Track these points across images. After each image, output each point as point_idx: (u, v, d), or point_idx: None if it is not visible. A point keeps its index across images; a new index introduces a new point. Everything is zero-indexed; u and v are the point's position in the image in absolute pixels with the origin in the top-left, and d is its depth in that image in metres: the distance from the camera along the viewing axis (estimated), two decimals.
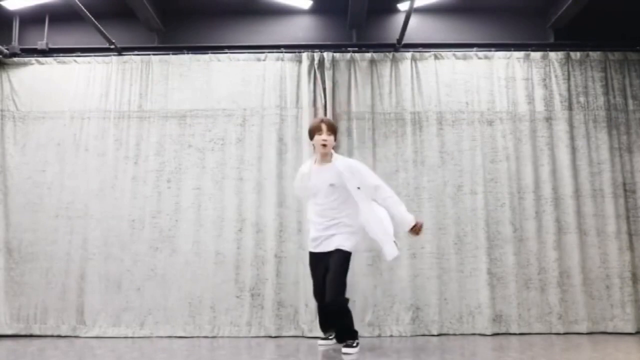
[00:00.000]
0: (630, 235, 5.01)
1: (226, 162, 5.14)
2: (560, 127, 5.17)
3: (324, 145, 3.95)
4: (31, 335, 4.89)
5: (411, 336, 4.77)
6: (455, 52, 5.33)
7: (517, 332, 4.81)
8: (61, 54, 5.41)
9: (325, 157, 4.00)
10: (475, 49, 5.33)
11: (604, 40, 5.37)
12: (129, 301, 4.93)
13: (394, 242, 3.93)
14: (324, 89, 5.21)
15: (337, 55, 5.32)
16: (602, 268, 4.96)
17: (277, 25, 5.58)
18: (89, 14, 4.80)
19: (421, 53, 5.33)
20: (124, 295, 4.94)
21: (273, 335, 4.81)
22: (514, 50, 5.31)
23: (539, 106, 5.22)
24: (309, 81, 5.23)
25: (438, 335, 4.78)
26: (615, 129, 5.20)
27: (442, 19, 5.57)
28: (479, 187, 5.05)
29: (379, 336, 4.79)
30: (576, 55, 5.32)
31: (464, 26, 5.54)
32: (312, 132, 4.01)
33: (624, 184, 5.10)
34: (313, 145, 4.10)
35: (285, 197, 5.03)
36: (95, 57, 5.39)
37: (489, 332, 4.78)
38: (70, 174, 5.16)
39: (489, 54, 5.32)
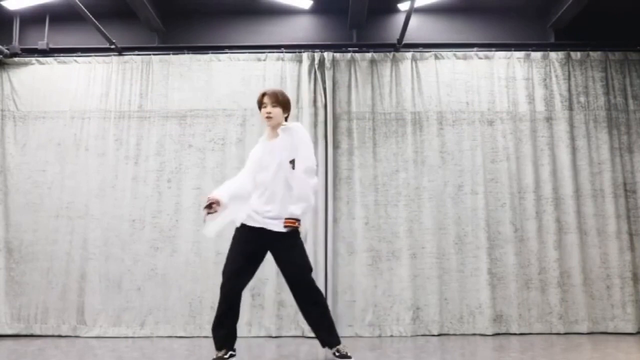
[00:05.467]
0: (630, 235, 5.00)
1: (226, 162, 5.13)
2: (561, 127, 5.17)
3: (268, 118, 3.56)
4: (32, 335, 4.89)
5: (411, 336, 4.77)
6: (456, 52, 5.33)
7: (518, 332, 4.80)
8: (61, 54, 5.41)
9: (273, 131, 3.62)
10: (475, 49, 5.33)
11: (604, 40, 5.37)
12: (129, 301, 4.93)
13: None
14: (324, 89, 5.22)
15: (338, 55, 5.32)
16: (602, 268, 4.95)
17: (277, 25, 5.58)
18: (89, 14, 4.80)
19: (421, 53, 5.33)
20: (125, 295, 4.94)
21: (273, 335, 4.81)
22: (515, 50, 5.31)
23: (540, 106, 5.22)
24: (310, 81, 5.23)
25: (438, 335, 4.78)
26: (616, 129, 5.20)
27: (442, 19, 5.57)
28: (479, 187, 5.04)
29: (380, 336, 4.79)
30: (576, 55, 5.32)
31: (464, 26, 5.54)
32: (258, 108, 3.64)
33: (625, 184, 5.10)
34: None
35: None
36: (96, 57, 5.39)
37: (489, 332, 4.78)
38: (70, 174, 5.17)
39: (490, 54, 5.32)
